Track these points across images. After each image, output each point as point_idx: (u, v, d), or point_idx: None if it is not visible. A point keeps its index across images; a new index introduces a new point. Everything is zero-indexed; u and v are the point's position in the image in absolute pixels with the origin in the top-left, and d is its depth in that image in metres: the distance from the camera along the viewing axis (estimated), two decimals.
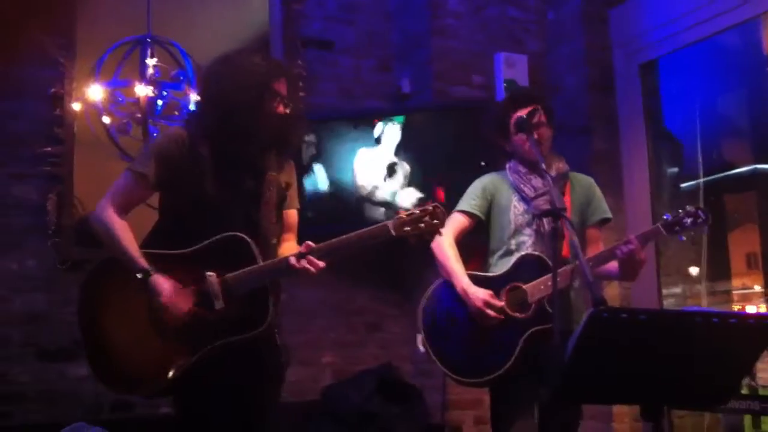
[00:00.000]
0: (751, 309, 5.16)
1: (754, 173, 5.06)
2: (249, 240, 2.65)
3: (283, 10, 4.79)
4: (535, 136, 3.13)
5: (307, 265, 2.62)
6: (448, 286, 3.18)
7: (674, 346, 2.20)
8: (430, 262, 3.27)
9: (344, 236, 2.67)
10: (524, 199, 3.24)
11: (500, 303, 3.06)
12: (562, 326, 2.78)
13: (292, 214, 2.94)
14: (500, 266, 3.22)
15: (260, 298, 2.63)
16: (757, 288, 5.23)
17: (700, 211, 3.06)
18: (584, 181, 3.39)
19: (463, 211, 3.31)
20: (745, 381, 3.62)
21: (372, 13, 5.03)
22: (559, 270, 2.92)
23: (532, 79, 4.71)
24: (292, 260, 2.62)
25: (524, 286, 3.09)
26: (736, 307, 5.27)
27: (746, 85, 5.01)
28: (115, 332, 2.68)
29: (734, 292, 5.44)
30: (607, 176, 4.52)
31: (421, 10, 4.89)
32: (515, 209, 3.25)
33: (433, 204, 2.68)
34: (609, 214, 3.36)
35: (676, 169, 4.92)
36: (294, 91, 2.85)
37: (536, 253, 3.13)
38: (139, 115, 5.05)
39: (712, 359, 2.25)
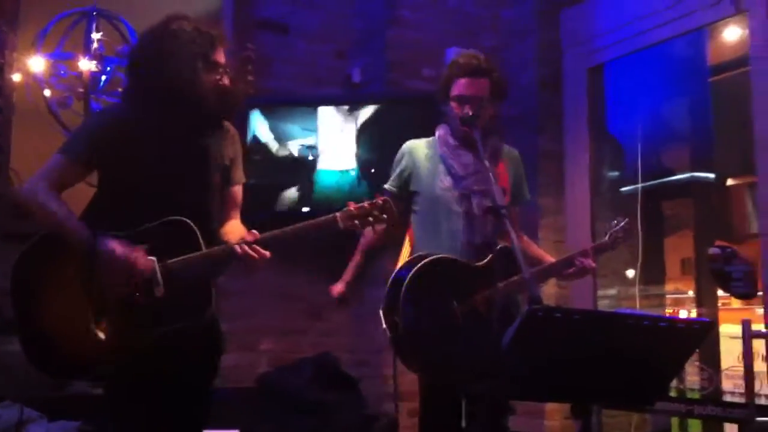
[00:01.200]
0: (683, 313, 5.28)
1: (691, 181, 5.17)
2: (193, 226, 2.53)
3: None
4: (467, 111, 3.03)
5: (252, 253, 2.53)
6: (407, 269, 3.01)
7: (606, 347, 2.25)
8: (373, 253, 3.26)
9: (290, 227, 2.60)
10: (452, 174, 3.13)
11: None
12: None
13: (237, 191, 2.82)
14: (439, 246, 3.07)
15: (201, 286, 2.55)
16: (690, 293, 5.35)
17: (624, 223, 3.12)
18: (514, 156, 3.28)
19: (389, 190, 3.19)
20: (674, 384, 3.70)
21: None
22: (510, 281, 2.95)
23: None
24: (237, 249, 2.54)
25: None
26: (668, 311, 5.39)
27: (689, 94, 5.11)
28: (50, 316, 2.54)
29: (668, 296, 5.55)
30: (552, 176, 4.57)
31: None
32: (441, 183, 3.13)
33: (383, 198, 2.67)
34: (528, 196, 3.34)
35: (617, 173, 5.00)
36: (228, 58, 2.69)
37: (507, 247, 3.01)
38: (81, 90, 4.96)
39: (641, 361, 2.30)
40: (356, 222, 2.62)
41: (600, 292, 4.68)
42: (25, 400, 3.55)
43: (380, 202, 2.66)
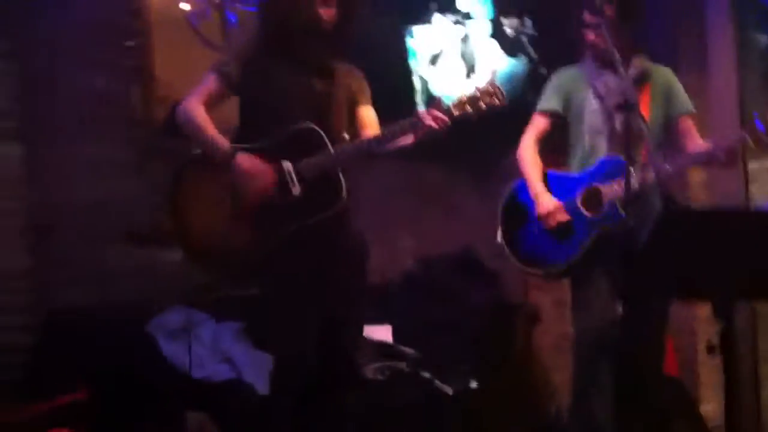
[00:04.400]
0: None
1: None
2: (320, 131, 2.83)
3: None
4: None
5: (432, 122, 2.73)
6: (524, 185, 3.33)
7: (748, 245, 2.19)
8: (508, 143, 3.42)
9: (407, 119, 2.82)
10: (598, 96, 3.23)
11: (565, 217, 3.18)
12: (636, 225, 2.91)
13: (366, 111, 3.03)
14: (578, 164, 3.29)
15: (333, 180, 2.82)
16: None
17: None
18: (663, 75, 3.33)
19: (542, 112, 3.35)
20: None
21: None
22: (632, 176, 3.00)
23: None
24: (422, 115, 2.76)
25: (600, 187, 3.15)
26: None
27: None
28: (202, 219, 2.92)
29: None
30: (693, 55, 4.33)
31: None
32: (590, 105, 3.25)
33: (492, 84, 2.80)
34: (691, 108, 3.31)
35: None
36: None
37: (617, 155, 3.12)
38: (217, 1, 5.07)
39: None
40: (468, 109, 2.77)
41: None
42: (190, 304, 3.83)
43: (491, 88, 2.78)
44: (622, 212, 3.04)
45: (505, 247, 3.34)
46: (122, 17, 4.25)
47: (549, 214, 3.19)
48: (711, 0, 4.41)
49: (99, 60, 4.20)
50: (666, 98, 3.27)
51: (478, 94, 2.78)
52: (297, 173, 2.80)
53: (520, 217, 3.33)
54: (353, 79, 3.02)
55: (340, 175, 2.82)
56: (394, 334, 3.95)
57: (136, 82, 4.26)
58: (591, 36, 3.19)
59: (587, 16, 3.17)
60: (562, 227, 3.18)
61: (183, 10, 5.15)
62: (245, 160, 2.81)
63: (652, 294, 2.76)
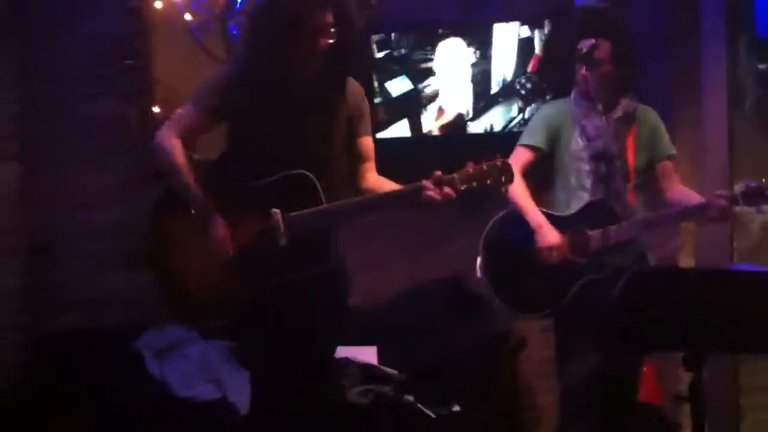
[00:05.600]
0: None
1: None
2: (314, 179, 2.67)
3: None
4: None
5: (435, 195, 2.60)
6: (512, 217, 3.26)
7: (716, 303, 2.23)
8: None
9: (410, 184, 2.69)
10: (586, 136, 3.23)
11: (566, 255, 3.13)
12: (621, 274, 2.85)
13: (365, 142, 2.88)
14: (562, 202, 3.28)
15: (323, 237, 2.69)
16: None
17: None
18: (649, 117, 3.35)
19: (526, 146, 3.33)
20: None
21: None
22: (623, 224, 3.04)
23: None
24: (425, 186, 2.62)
25: (589, 233, 3.13)
26: None
27: None
28: (180, 258, 2.79)
29: None
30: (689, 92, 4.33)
31: None
32: (577, 144, 3.25)
33: (502, 159, 2.66)
34: (672, 151, 3.35)
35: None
36: (344, 15, 2.74)
37: (605, 200, 3.15)
38: (219, 12, 5.10)
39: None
40: (474, 183, 2.63)
41: None
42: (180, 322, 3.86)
43: (499, 164, 2.65)
44: (608, 260, 3.05)
45: (486, 283, 3.31)
46: (123, 38, 4.28)
47: (551, 248, 3.13)
48: (706, 31, 4.40)
49: (100, 81, 4.24)
50: (651, 141, 3.31)
51: (486, 169, 2.64)
52: (286, 224, 2.65)
53: (505, 253, 3.29)
54: (353, 107, 2.83)
55: (331, 233, 2.70)
56: (380, 356, 3.99)
57: (137, 105, 4.27)
58: (583, 73, 3.19)
59: (582, 53, 3.17)
60: (553, 268, 3.14)
61: (186, 21, 5.19)
62: (217, 226, 2.66)
63: (623, 345, 2.78)
